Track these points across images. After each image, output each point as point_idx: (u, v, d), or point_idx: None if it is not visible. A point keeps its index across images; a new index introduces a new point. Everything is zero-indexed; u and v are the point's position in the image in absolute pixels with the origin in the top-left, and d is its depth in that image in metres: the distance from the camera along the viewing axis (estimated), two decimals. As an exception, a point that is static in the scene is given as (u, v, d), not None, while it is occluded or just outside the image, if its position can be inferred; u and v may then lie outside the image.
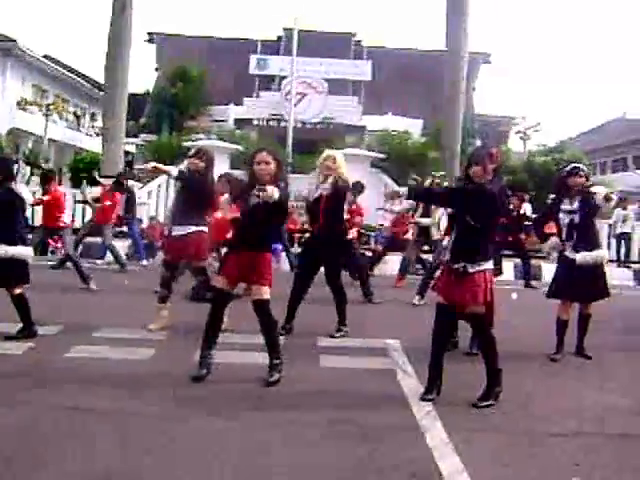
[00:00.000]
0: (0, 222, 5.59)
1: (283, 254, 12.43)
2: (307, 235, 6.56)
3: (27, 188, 7.32)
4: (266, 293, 4.70)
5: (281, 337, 5.28)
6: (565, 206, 5.93)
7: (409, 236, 11.28)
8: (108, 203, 10.99)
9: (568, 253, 5.92)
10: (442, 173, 10.59)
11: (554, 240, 6.12)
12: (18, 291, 5.73)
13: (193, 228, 6.19)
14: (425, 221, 9.08)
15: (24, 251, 5.72)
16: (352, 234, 9.12)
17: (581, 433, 3.94)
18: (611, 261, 14.30)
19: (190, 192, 6.21)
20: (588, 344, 6.01)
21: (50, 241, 12.14)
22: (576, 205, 5.85)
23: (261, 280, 4.68)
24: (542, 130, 27.97)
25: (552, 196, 6.55)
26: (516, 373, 5.16)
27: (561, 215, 5.96)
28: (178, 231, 6.27)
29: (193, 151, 6.49)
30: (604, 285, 5.98)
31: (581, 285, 5.83)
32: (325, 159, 6.40)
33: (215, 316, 4.75)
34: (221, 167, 12.78)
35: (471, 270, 4.33)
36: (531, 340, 6.40)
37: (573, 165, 6.21)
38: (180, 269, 7.19)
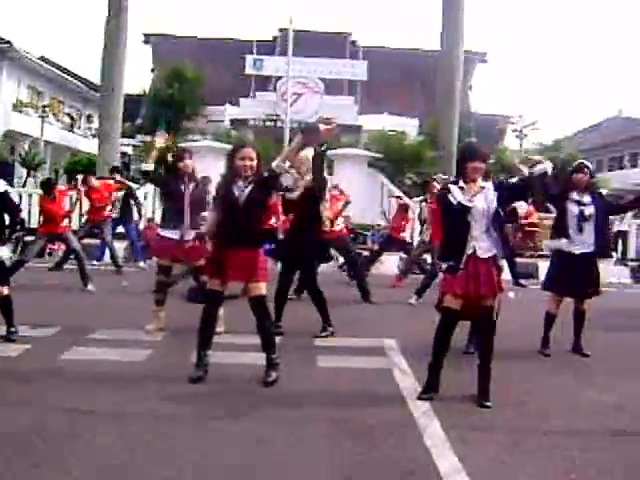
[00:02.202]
0: None
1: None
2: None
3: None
4: (263, 289, 4.69)
5: (277, 337, 5.26)
6: (574, 196, 5.81)
7: (405, 235, 11.30)
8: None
9: (571, 247, 5.81)
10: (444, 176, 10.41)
11: (564, 242, 5.83)
12: (6, 292, 5.67)
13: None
14: None
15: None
16: (339, 225, 8.89)
17: (578, 431, 3.94)
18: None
19: (201, 193, 6.21)
20: (584, 342, 6.01)
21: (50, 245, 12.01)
22: (587, 199, 5.78)
23: (257, 277, 4.66)
24: (538, 128, 28.03)
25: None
26: (513, 371, 5.17)
27: (570, 205, 5.79)
28: (190, 236, 6.15)
29: (179, 154, 6.32)
30: (598, 282, 5.95)
31: (579, 281, 5.80)
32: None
33: (210, 316, 4.74)
34: (217, 168, 12.75)
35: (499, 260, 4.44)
36: (527, 338, 6.39)
37: (579, 162, 6.19)
38: (184, 274, 7.16)
